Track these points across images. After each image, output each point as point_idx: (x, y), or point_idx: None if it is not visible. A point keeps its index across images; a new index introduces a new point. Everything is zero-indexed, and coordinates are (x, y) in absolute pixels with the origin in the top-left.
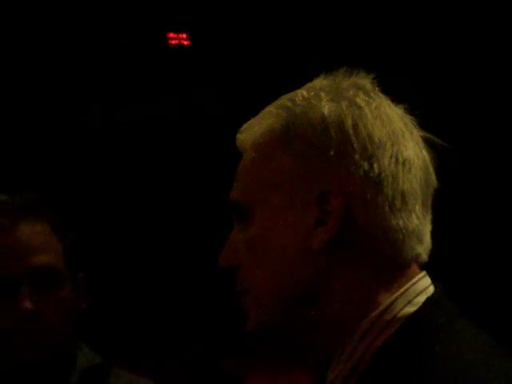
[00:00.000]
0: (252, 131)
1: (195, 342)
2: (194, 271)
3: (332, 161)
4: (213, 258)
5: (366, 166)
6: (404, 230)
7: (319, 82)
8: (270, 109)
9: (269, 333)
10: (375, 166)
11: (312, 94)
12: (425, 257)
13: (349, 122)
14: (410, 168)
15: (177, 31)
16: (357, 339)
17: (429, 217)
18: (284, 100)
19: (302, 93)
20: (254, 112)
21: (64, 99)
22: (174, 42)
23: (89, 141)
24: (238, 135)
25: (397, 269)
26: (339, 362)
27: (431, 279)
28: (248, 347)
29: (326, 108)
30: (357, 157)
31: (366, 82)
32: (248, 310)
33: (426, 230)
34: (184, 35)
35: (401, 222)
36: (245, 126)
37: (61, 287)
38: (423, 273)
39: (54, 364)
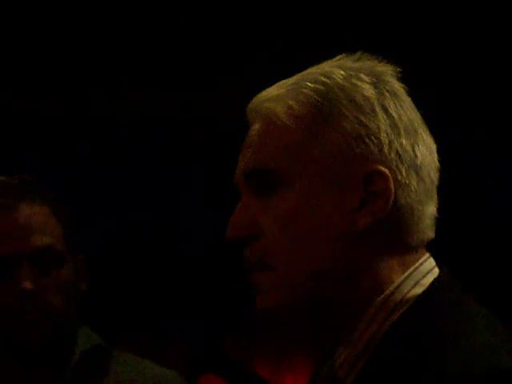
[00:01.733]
0: (283, 101)
1: (197, 325)
2: (197, 252)
3: (384, 142)
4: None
5: (411, 152)
6: (432, 216)
7: (350, 63)
8: (302, 82)
9: (284, 313)
10: (418, 153)
11: (351, 73)
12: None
13: (392, 107)
14: (434, 155)
15: None
16: (366, 322)
17: None
18: (316, 75)
19: (338, 71)
20: None
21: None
22: None
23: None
24: (258, 103)
25: (413, 251)
26: (348, 345)
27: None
28: (250, 330)
29: (370, 91)
30: (405, 142)
31: (389, 68)
32: (266, 287)
33: None
34: None
35: (431, 210)
36: (266, 94)
37: (61, 268)
38: (427, 254)
39: (54, 345)
